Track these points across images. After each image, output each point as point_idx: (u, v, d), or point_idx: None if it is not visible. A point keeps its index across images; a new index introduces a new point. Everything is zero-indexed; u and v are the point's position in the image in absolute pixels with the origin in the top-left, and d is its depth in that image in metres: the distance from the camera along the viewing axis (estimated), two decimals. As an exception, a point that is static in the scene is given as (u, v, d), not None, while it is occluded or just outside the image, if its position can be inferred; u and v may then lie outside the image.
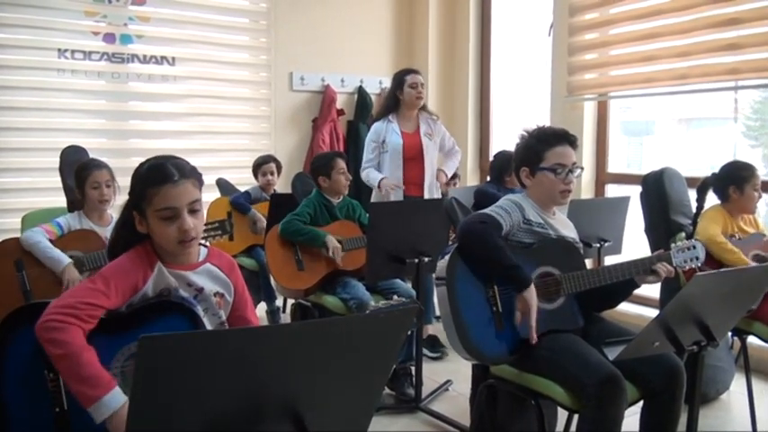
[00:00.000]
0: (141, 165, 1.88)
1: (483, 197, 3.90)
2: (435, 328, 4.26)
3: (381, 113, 4.63)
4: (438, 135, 4.54)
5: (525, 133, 2.60)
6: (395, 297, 3.02)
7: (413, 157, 4.45)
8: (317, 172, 3.82)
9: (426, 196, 4.43)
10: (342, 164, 3.79)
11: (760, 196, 3.29)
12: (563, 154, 2.49)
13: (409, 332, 3.35)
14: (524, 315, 2.32)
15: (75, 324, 1.66)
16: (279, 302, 4.93)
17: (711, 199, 3.40)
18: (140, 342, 1.12)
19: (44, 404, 1.71)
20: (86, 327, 1.69)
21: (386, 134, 4.48)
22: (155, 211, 1.81)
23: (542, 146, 2.51)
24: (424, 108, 4.55)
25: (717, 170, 3.37)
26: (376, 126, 4.59)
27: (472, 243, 2.38)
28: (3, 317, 1.75)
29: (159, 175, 1.81)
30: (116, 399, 1.65)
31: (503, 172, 4.11)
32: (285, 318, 4.95)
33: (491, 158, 4.40)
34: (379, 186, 4.46)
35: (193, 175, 1.87)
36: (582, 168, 2.55)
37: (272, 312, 4.84)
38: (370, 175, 4.52)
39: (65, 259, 3.07)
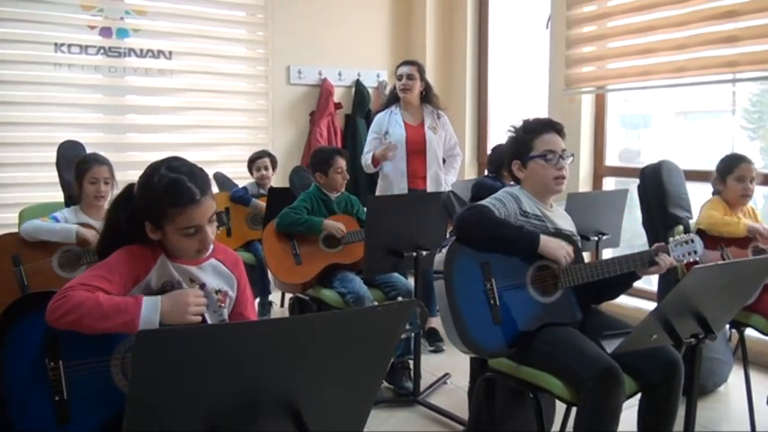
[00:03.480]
0: (152, 177, 1.83)
1: (481, 190, 3.89)
2: (437, 321, 4.27)
3: (385, 104, 4.65)
4: (442, 129, 4.52)
5: (512, 128, 2.62)
6: (399, 299, 3.02)
7: (416, 150, 4.44)
8: (315, 167, 3.80)
9: (430, 189, 4.42)
10: (341, 162, 3.76)
11: (746, 187, 3.28)
12: (551, 141, 2.52)
13: (412, 333, 3.36)
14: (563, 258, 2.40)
15: (75, 291, 1.67)
16: (272, 297, 4.94)
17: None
18: (138, 336, 1.12)
19: (44, 393, 1.71)
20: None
21: (389, 125, 4.48)
22: (177, 229, 1.81)
23: (530, 136, 2.54)
24: (428, 101, 4.53)
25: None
26: (378, 116, 4.61)
27: (470, 230, 2.39)
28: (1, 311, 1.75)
29: (181, 195, 1.80)
30: (151, 303, 1.71)
31: (501, 166, 4.09)
32: (283, 312, 4.95)
33: (489, 152, 4.39)
34: (374, 162, 4.47)
35: (209, 187, 1.88)
36: (572, 155, 2.56)
37: (263, 305, 4.85)
38: (365, 160, 4.54)
39: (72, 227, 3.12)
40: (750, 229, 3.15)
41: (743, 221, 3.19)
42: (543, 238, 2.39)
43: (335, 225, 3.63)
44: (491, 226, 2.38)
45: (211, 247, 1.97)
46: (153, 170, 1.85)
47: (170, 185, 1.80)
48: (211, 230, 1.86)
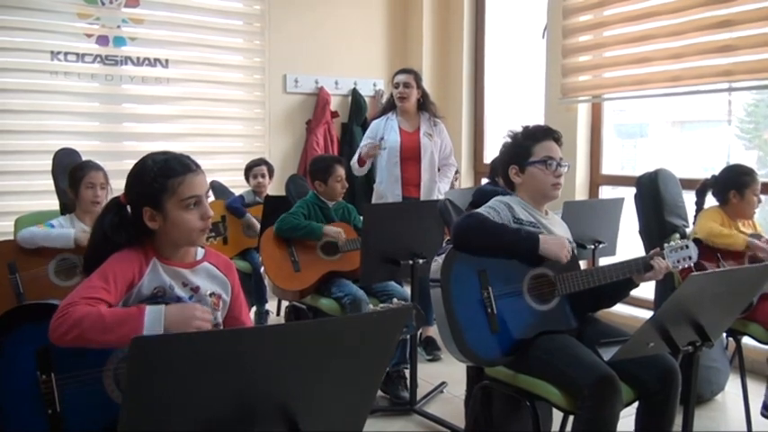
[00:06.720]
0: (144, 163, 1.87)
1: (483, 196, 3.88)
2: (434, 330, 4.26)
3: (381, 112, 4.65)
4: (438, 137, 4.52)
5: (511, 133, 2.64)
6: (395, 300, 3.01)
7: (410, 157, 4.44)
8: (314, 175, 3.80)
9: (423, 197, 4.42)
10: (340, 171, 3.78)
11: (759, 201, 3.30)
12: (550, 148, 2.53)
13: (407, 336, 3.34)
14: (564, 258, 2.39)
15: (76, 306, 1.65)
16: (269, 306, 4.93)
17: (710, 201, 3.42)
18: (133, 343, 1.12)
19: (38, 406, 1.70)
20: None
21: (384, 131, 4.48)
22: (179, 201, 1.83)
23: (530, 141, 2.55)
24: (426, 108, 4.54)
25: (716, 172, 3.38)
26: (374, 122, 4.61)
27: (469, 236, 2.39)
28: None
29: (180, 165, 1.86)
30: (154, 313, 1.69)
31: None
32: (279, 321, 4.94)
33: (485, 161, 4.39)
34: (360, 161, 4.47)
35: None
36: (568, 165, 2.57)
37: (260, 314, 4.84)
38: (353, 161, 4.55)
39: (69, 231, 3.11)
40: (750, 244, 3.14)
41: (742, 235, 3.18)
42: (542, 238, 2.39)
43: (336, 230, 3.63)
44: (490, 230, 2.38)
45: (202, 251, 1.98)
46: (143, 160, 1.89)
47: (166, 161, 1.86)
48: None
